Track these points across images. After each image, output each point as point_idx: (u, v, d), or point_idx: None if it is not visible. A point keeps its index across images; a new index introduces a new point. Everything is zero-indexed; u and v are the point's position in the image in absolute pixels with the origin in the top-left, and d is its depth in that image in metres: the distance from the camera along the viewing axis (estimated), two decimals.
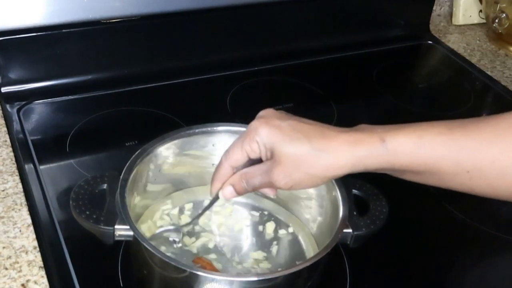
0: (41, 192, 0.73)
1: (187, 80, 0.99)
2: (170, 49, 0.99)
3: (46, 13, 0.87)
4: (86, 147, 0.82)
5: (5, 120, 0.84)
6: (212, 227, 0.70)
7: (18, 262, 0.62)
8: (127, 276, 0.64)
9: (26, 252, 0.64)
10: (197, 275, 0.54)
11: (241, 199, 0.72)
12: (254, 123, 0.60)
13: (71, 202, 0.59)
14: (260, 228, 0.70)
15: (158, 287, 0.61)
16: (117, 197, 0.59)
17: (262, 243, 0.69)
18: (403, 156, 0.56)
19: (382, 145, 0.56)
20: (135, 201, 0.65)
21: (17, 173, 0.74)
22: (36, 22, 0.87)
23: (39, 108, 0.89)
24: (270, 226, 0.70)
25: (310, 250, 0.68)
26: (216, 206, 0.72)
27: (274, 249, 0.68)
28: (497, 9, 1.17)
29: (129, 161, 0.64)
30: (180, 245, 0.65)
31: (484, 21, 1.27)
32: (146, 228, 0.67)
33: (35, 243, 0.65)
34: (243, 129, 0.70)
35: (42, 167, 0.77)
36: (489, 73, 1.12)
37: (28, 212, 0.69)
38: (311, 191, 0.69)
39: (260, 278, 0.57)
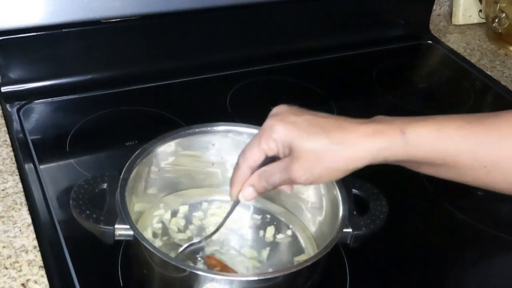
0: (41, 192, 0.73)
1: (187, 80, 0.99)
2: (170, 49, 0.99)
3: (46, 13, 0.87)
4: (86, 146, 0.82)
5: (5, 119, 0.84)
6: (210, 227, 0.70)
7: (18, 262, 0.62)
8: (127, 275, 0.64)
9: (26, 252, 0.64)
10: (197, 274, 0.55)
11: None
12: (269, 122, 0.59)
13: (71, 202, 0.59)
14: (261, 232, 0.70)
15: (158, 286, 0.61)
16: (117, 196, 0.59)
17: (259, 243, 0.69)
18: (423, 149, 0.56)
19: (402, 137, 0.55)
20: (134, 200, 0.65)
21: (17, 173, 0.74)
22: (36, 21, 0.87)
23: (39, 108, 0.89)
24: (270, 230, 0.70)
25: (310, 250, 0.68)
26: (213, 208, 0.72)
27: (266, 252, 0.68)
28: (497, 8, 1.17)
29: (129, 161, 0.64)
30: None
31: (484, 21, 1.27)
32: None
33: (35, 243, 0.65)
34: (243, 129, 0.70)
35: (42, 166, 0.77)
36: (489, 72, 1.12)
37: (28, 212, 0.69)
38: (311, 191, 0.69)
39: (260, 278, 0.57)
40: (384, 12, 1.18)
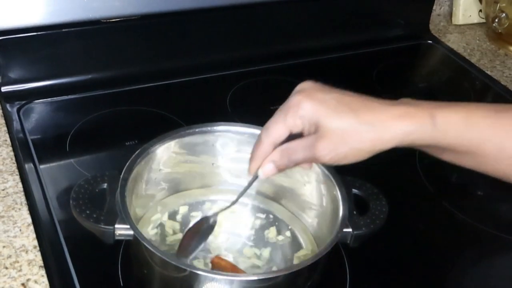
0: (41, 192, 0.73)
1: (187, 80, 0.99)
2: (170, 49, 0.99)
3: (46, 13, 0.87)
4: (86, 146, 0.82)
5: (5, 119, 0.84)
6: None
7: (18, 262, 0.62)
8: (127, 275, 0.64)
9: (26, 252, 0.64)
10: (197, 274, 0.54)
11: (244, 200, 0.72)
12: (296, 97, 0.58)
13: (71, 202, 0.59)
14: (262, 232, 0.70)
15: (158, 286, 0.61)
16: (117, 196, 0.59)
17: (259, 243, 0.69)
18: (450, 134, 0.56)
19: (432, 121, 0.55)
20: (134, 201, 0.65)
21: (17, 173, 0.74)
22: (36, 21, 0.87)
23: (39, 108, 0.89)
24: (271, 230, 0.70)
25: (310, 250, 0.68)
26: (213, 209, 0.72)
27: (267, 252, 0.68)
28: (497, 8, 1.17)
29: (129, 161, 0.64)
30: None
31: (484, 20, 1.27)
32: None
33: (35, 243, 0.65)
34: (243, 129, 0.70)
35: (42, 166, 0.77)
36: (488, 72, 1.12)
37: (28, 212, 0.69)
38: (312, 191, 0.69)
39: (260, 278, 0.57)
40: (384, 12, 1.18)
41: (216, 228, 0.69)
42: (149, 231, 0.68)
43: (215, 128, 0.70)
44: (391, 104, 0.57)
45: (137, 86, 0.96)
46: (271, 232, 0.70)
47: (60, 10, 0.87)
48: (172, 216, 0.70)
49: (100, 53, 0.94)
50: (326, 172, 0.66)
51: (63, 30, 0.89)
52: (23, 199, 0.70)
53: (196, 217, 0.70)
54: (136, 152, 0.65)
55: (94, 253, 0.65)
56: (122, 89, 0.95)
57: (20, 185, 0.72)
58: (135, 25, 0.94)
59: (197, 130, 0.70)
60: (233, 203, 0.64)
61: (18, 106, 0.88)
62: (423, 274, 0.70)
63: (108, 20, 0.92)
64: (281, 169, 0.60)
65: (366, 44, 1.15)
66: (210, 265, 0.65)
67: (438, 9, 1.29)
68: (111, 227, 0.57)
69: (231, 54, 1.04)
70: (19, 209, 0.69)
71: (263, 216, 0.72)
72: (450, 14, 1.30)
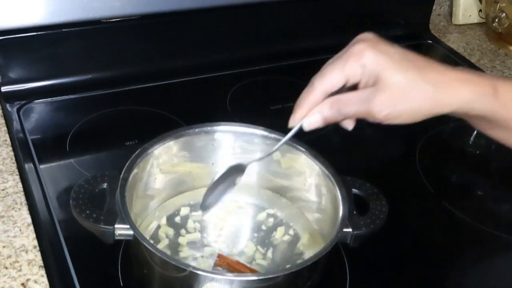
0: (41, 192, 0.73)
1: (187, 80, 0.99)
2: (170, 49, 0.99)
3: (46, 13, 0.87)
4: (86, 146, 0.82)
5: (5, 119, 0.84)
6: (209, 227, 0.70)
7: (18, 262, 0.62)
8: (127, 275, 0.64)
9: (26, 252, 0.64)
10: (197, 274, 0.54)
11: (245, 199, 0.72)
12: (359, 46, 0.55)
13: (71, 202, 0.59)
14: (263, 232, 0.70)
15: (158, 286, 0.61)
16: (117, 196, 0.59)
17: (261, 243, 0.69)
18: (509, 108, 0.54)
19: (493, 92, 0.54)
20: (134, 200, 0.65)
21: (17, 173, 0.74)
22: (36, 21, 0.87)
23: (39, 108, 0.89)
24: (273, 230, 0.70)
25: (310, 250, 0.68)
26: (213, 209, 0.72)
27: (268, 251, 0.68)
28: (497, 8, 1.17)
29: (129, 161, 0.64)
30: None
31: (484, 20, 1.27)
32: None
33: (35, 242, 0.65)
34: (243, 129, 0.70)
35: (42, 166, 0.77)
36: (489, 72, 1.12)
37: (28, 212, 0.69)
38: (312, 190, 0.69)
39: (260, 278, 0.57)
40: (384, 12, 1.18)
41: (217, 227, 0.70)
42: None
43: (215, 128, 0.70)
44: (452, 69, 0.55)
45: (137, 86, 0.96)
46: (272, 232, 0.70)
47: (60, 10, 0.87)
48: (171, 218, 0.70)
49: (100, 53, 0.94)
50: (326, 172, 0.66)
51: (63, 30, 0.89)
52: (23, 199, 0.70)
53: (196, 216, 0.70)
54: (136, 152, 0.65)
55: (94, 253, 0.65)
56: (122, 89, 0.95)
57: (20, 185, 0.72)
58: (135, 25, 0.94)
59: (197, 130, 0.70)
60: (268, 155, 0.62)
61: (18, 106, 0.88)
62: (423, 274, 0.70)
63: (108, 20, 0.92)
64: (327, 122, 0.57)
65: None
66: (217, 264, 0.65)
67: (438, 9, 1.29)
68: (111, 227, 0.57)
69: (231, 54, 1.04)
70: (19, 209, 0.69)
71: (263, 215, 0.72)
72: (450, 14, 1.30)
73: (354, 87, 0.56)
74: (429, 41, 1.21)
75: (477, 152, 0.93)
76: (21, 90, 0.90)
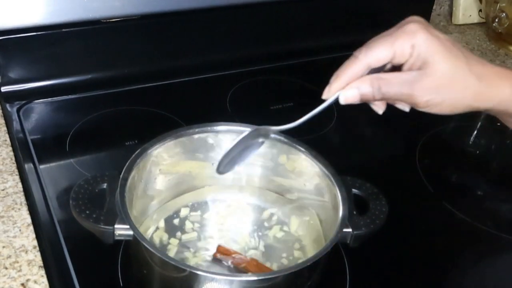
0: (41, 192, 0.73)
1: (187, 80, 0.99)
2: (170, 49, 0.99)
3: (46, 13, 0.87)
4: (86, 146, 0.82)
5: (5, 119, 0.84)
6: (208, 228, 0.70)
7: (18, 262, 0.62)
8: (127, 275, 0.64)
9: (26, 252, 0.64)
10: (197, 274, 0.54)
11: (245, 199, 0.72)
12: (411, 25, 0.53)
13: (71, 202, 0.59)
14: (262, 231, 0.70)
15: (158, 286, 0.61)
16: (117, 196, 0.59)
17: (260, 242, 0.69)
18: None
19: None
20: (134, 201, 0.65)
21: (17, 173, 0.74)
22: (36, 21, 0.87)
23: (39, 108, 0.89)
24: (273, 229, 0.70)
25: (310, 250, 0.68)
26: (213, 208, 0.72)
27: (268, 250, 0.68)
28: (497, 8, 1.17)
29: (129, 161, 0.64)
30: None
31: (484, 20, 1.27)
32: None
33: (35, 243, 0.65)
34: (243, 128, 0.70)
35: (42, 166, 0.77)
36: None
37: (28, 212, 0.69)
38: (311, 190, 0.69)
39: (260, 278, 0.57)
40: (384, 12, 1.18)
41: (217, 227, 0.70)
42: None
43: (215, 128, 0.70)
44: (494, 64, 0.55)
45: (137, 86, 0.96)
46: (273, 231, 0.70)
47: (60, 10, 0.87)
48: (170, 219, 0.70)
49: (100, 53, 0.94)
50: (326, 172, 0.66)
51: (63, 30, 0.89)
52: (22, 199, 0.70)
53: (195, 217, 0.70)
54: (136, 152, 0.65)
55: (94, 253, 0.65)
56: (122, 89, 0.95)
57: (20, 185, 0.72)
58: (135, 25, 0.94)
59: (197, 130, 0.70)
60: (299, 124, 0.59)
61: (18, 106, 0.88)
62: (423, 274, 0.70)
63: (108, 20, 0.92)
64: (364, 100, 0.55)
65: None
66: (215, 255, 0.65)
67: (438, 9, 1.29)
68: (110, 227, 0.57)
69: (231, 54, 1.04)
70: (19, 209, 0.69)
71: (263, 214, 0.72)
72: (450, 14, 1.30)
73: (395, 69, 0.55)
74: None
75: (477, 152, 0.93)
76: (21, 90, 0.90)
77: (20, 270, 0.62)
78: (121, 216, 0.57)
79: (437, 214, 0.79)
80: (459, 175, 0.87)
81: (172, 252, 0.66)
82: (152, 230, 0.68)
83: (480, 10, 1.27)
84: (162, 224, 0.69)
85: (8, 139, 0.80)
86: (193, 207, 0.71)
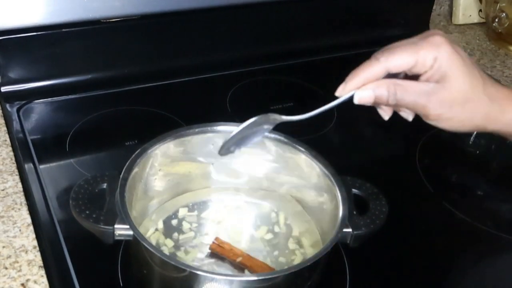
0: (41, 192, 0.73)
1: (187, 80, 0.99)
2: (169, 49, 0.99)
3: (46, 13, 0.87)
4: (86, 146, 0.82)
5: (5, 119, 0.84)
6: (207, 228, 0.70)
7: (18, 262, 0.62)
8: (127, 275, 0.64)
9: (26, 252, 0.64)
10: (197, 274, 0.54)
11: (244, 198, 0.73)
12: (437, 38, 0.54)
13: (71, 202, 0.59)
14: (261, 231, 0.70)
15: (158, 286, 0.61)
16: (117, 196, 0.59)
17: (259, 242, 0.69)
18: None
19: None
20: (134, 201, 0.65)
21: (17, 173, 0.74)
22: (36, 21, 0.87)
23: (39, 108, 0.89)
24: (273, 229, 0.70)
25: (310, 250, 0.68)
26: (213, 209, 0.72)
27: (269, 249, 0.68)
28: (497, 8, 1.17)
29: (129, 161, 0.64)
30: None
31: (484, 20, 1.27)
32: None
33: (35, 243, 0.65)
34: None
35: (42, 166, 0.77)
36: (489, 72, 1.12)
37: (28, 212, 0.69)
38: (311, 189, 0.69)
39: (260, 278, 0.57)
40: (384, 12, 1.18)
41: (214, 226, 0.70)
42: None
43: (215, 128, 0.70)
44: (506, 87, 0.57)
45: (137, 86, 0.96)
46: (271, 230, 0.70)
47: (60, 10, 0.87)
48: (168, 220, 0.69)
49: (100, 53, 0.94)
50: (326, 172, 0.66)
51: (63, 30, 0.89)
52: (22, 199, 0.70)
53: (192, 217, 0.70)
54: (136, 152, 0.65)
55: (94, 253, 0.65)
56: (122, 89, 0.95)
57: (20, 185, 0.72)
58: (135, 25, 0.94)
59: (197, 130, 0.69)
60: (308, 117, 0.58)
61: (18, 106, 0.88)
62: (423, 274, 0.70)
63: (108, 20, 0.92)
64: (377, 103, 0.55)
65: (366, 44, 1.14)
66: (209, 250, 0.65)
67: (438, 9, 1.29)
68: (110, 227, 0.57)
69: (231, 54, 1.04)
70: (19, 209, 0.69)
71: (263, 214, 0.72)
72: (450, 14, 1.30)
73: (408, 78, 0.55)
74: None
75: (477, 152, 0.93)
76: (21, 90, 0.90)
77: (20, 270, 0.62)
78: (121, 216, 0.57)
79: (437, 214, 0.79)
80: (459, 175, 0.87)
81: (166, 252, 0.65)
82: (151, 230, 0.68)
83: (480, 10, 1.27)
84: (160, 225, 0.69)
85: (8, 139, 0.80)
86: (192, 208, 0.71)
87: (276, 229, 0.70)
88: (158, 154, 0.67)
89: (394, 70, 0.54)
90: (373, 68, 0.54)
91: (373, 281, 0.68)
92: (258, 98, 0.98)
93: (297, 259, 0.66)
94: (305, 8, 1.07)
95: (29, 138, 0.82)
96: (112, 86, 0.94)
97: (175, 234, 0.68)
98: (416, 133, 0.92)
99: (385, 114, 0.59)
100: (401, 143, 0.92)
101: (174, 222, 0.69)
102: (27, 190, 0.72)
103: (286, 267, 0.65)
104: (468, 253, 0.75)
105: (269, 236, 0.69)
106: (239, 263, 0.64)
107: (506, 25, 1.16)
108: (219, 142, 0.70)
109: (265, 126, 0.60)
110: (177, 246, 0.66)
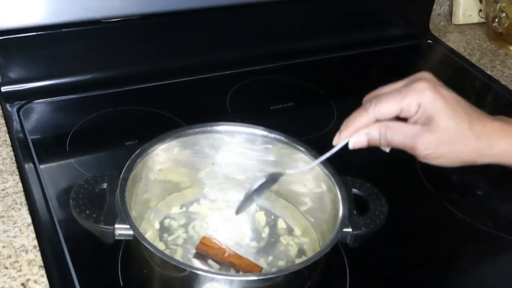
0: (41, 192, 0.73)
1: (187, 80, 0.99)
2: (170, 49, 0.99)
3: (46, 13, 0.87)
4: (86, 146, 0.82)
5: (5, 119, 0.84)
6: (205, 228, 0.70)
7: (18, 262, 0.62)
8: (127, 275, 0.64)
9: (26, 252, 0.64)
10: (197, 274, 0.54)
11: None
12: (421, 84, 0.58)
13: (71, 202, 0.59)
14: (261, 231, 0.70)
15: (158, 286, 0.61)
16: (117, 196, 0.59)
17: (259, 242, 0.69)
18: None
19: None
20: (134, 201, 0.65)
21: (17, 173, 0.74)
22: (36, 21, 0.87)
23: (39, 108, 0.89)
24: (272, 229, 0.70)
25: (310, 250, 0.68)
26: (213, 208, 0.72)
27: (267, 248, 0.68)
28: (497, 8, 1.17)
29: (129, 161, 0.64)
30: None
31: (484, 20, 1.27)
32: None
33: (35, 243, 0.65)
34: (243, 129, 0.70)
35: (42, 166, 0.77)
36: (489, 72, 1.12)
37: (28, 212, 0.69)
38: (312, 190, 0.69)
39: (260, 278, 0.57)
40: (384, 12, 1.18)
41: (213, 226, 0.70)
42: None
43: (215, 128, 0.70)
44: (494, 119, 0.59)
45: (137, 86, 0.96)
46: (271, 231, 0.70)
47: (60, 10, 0.87)
48: (165, 220, 0.69)
49: (100, 53, 0.94)
50: (326, 172, 0.66)
51: (63, 30, 0.89)
52: (23, 199, 0.70)
53: (193, 217, 0.70)
54: (136, 152, 0.65)
55: (94, 253, 0.65)
56: (122, 89, 0.95)
57: (20, 185, 0.72)
58: (135, 25, 0.94)
59: (197, 130, 0.70)
60: (309, 168, 0.64)
61: (18, 106, 0.88)
62: (423, 274, 0.70)
63: (108, 20, 0.92)
64: (371, 145, 0.60)
65: (366, 44, 1.15)
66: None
67: (438, 9, 1.29)
68: (111, 227, 0.57)
69: (231, 54, 1.04)
70: (19, 209, 0.69)
71: (263, 214, 0.72)
72: (450, 13, 1.30)
73: (401, 118, 0.59)
74: (429, 41, 1.21)
75: None
76: (21, 90, 0.90)
77: (20, 270, 0.62)
78: (121, 216, 0.57)
79: (437, 214, 0.79)
80: (459, 175, 0.87)
81: None
82: (151, 230, 0.68)
83: (480, 10, 1.27)
84: (157, 225, 0.69)
85: (8, 139, 0.80)
86: (190, 208, 0.71)
87: (274, 228, 0.70)
88: (158, 154, 0.67)
89: (382, 118, 0.59)
90: (362, 118, 0.59)
91: (373, 281, 0.68)
92: (258, 98, 0.98)
93: (294, 253, 0.67)
94: (305, 8, 1.07)
95: (29, 138, 0.82)
96: (112, 86, 0.94)
97: (167, 233, 0.68)
98: None
99: (385, 148, 0.63)
100: None
101: (168, 222, 0.69)
102: (27, 190, 0.72)
103: (283, 266, 0.65)
104: (468, 253, 0.75)
105: (266, 236, 0.69)
106: (228, 263, 0.64)
107: (506, 25, 1.16)
108: (219, 142, 0.70)
109: (271, 183, 0.63)
110: (167, 246, 0.66)
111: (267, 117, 0.92)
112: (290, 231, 0.70)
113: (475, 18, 1.29)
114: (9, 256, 0.63)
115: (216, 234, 0.68)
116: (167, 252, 0.65)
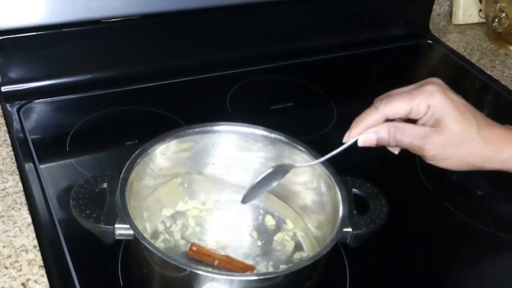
0: (41, 191, 0.73)
1: (187, 80, 0.99)
2: (170, 49, 0.99)
3: (46, 13, 0.87)
4: (86, 146, 0.82)
5: (5, 119, 0.84)
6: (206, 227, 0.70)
7: (18, 261, 0.62)
8: (127, 275, 0.64)
9: (26, 251, 0.64)
10: (197, 274, 0.54)
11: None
12: (431, 87, 0.59)
13: (71, 201, 0.59)
14: (261, 231, 0.70)
15: (158, 286, 0.61)
16: (117, 196, 0.59)
17: (259, 242, 0.69)
18: None
19: None
20: (134, 201, 0.65)
21: (17, 172, 0.74)
22: (36, 21, 0.87)
23: (39, 107, 0.89)
24: (272, 229, 0.70)
25: (310, 249, 0.68)
26: (213, 208, 0.72)
27: (265, 250, 0.68)
28: (497, 8, 1.17)
29: (129, 160, 0.64)
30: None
31: (484, 20, 1.27)
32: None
33: (35, 242, 0.65)
34: (243, 129, 0.70)
35: (42, 166, 0.77)
36: (489, 72, 1.12)
37: (28, 211, 0.69)
38: (312, 190, 0.69)
39: (260, 278, 0.57)
40: (384, 12, 1.18)
41: (211, 226, 0.70)
42: None
43: (215, 128, 0.70)
44: (502, 126, 0.61)
45: (137, 86, 0.96)
46: (271, 231, 0.70)
47: (60, 10, 0.87)
48: (164, 220, 0.69)
49: (100, 53, 0.94)
50: (326, 172, 0.66)
51: (63, 30, 0.89)
52: (23, 199, 0.70)
53: (193, 217, 0.70)
54: (136, 152, 0.65)
55: (94, 253, 0.65)
56: (122, 89, 0.95)
57: (20, 185, 0.72)
58: (135, 25, 0.94)
59: (197, 130, 0.69)
60: (323, 160, 0.64)
61: (18, 106, 0.88)
62: (423, 274, 0.70)
63: (108, 20, 0.92)
64: (379, 144, 0.61)
65: (366, 44, 1.15)
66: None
67: (438, 9, 1.29)
68: (111, 227, 0.57)
69: (231, 54, 1.04)
70: (19, 209, 0.69)
71: (263, 214, 0.72)
72: (450, 13, 1.30)
73: (410, 120, 0.61)
74: (429, 41, 1.21)
75: None
76: (21, 90, 0.90)
77: (20, 270, 0.62)
78: (121, 215, 0.57)
79: (437, 214, 0.79)
80: (459, 175, 0.86)
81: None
82: (150, 229, 0.68)
83: (480, 10, 1.27)
84: (157, 225, 0.69)
85: (8, 139, 0.80)
86: (190, 208, 0.71)
87: (273, 228, 0.70)
88: (158, 154, 0.67)
89: (391, 117, 0.60)
90: (372, 117, 0.60)
91: (373, 281, 0.68)
92: (258, 98, 0.98)
93: (291, 250, 0.67)
94: (305, 8, 1.07)
95: (29, 138, 0.82)
96: (112, 86, 0.94)
97: (165, 235, 0.68)
98: None
99: (394, 149, 0.64)
100: None
101: (168, 222, 0.70)
102: (27, 189, 0.72)
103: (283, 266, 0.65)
104: (468, 253, 0.75)
105: (266, 235, 0.69)
106: (219, 266, 0.64)
107: (506, 25, 1.16)
108: (219, 142, 0.70)
109: (279, 174, 0.64)
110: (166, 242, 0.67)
111: (267, 117, 0.92)
112: (280, 227, 0.70)
113: (475, 18, 1.29)
114: (9, 256, 0.63)
115: (215, 234, 0.68)
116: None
